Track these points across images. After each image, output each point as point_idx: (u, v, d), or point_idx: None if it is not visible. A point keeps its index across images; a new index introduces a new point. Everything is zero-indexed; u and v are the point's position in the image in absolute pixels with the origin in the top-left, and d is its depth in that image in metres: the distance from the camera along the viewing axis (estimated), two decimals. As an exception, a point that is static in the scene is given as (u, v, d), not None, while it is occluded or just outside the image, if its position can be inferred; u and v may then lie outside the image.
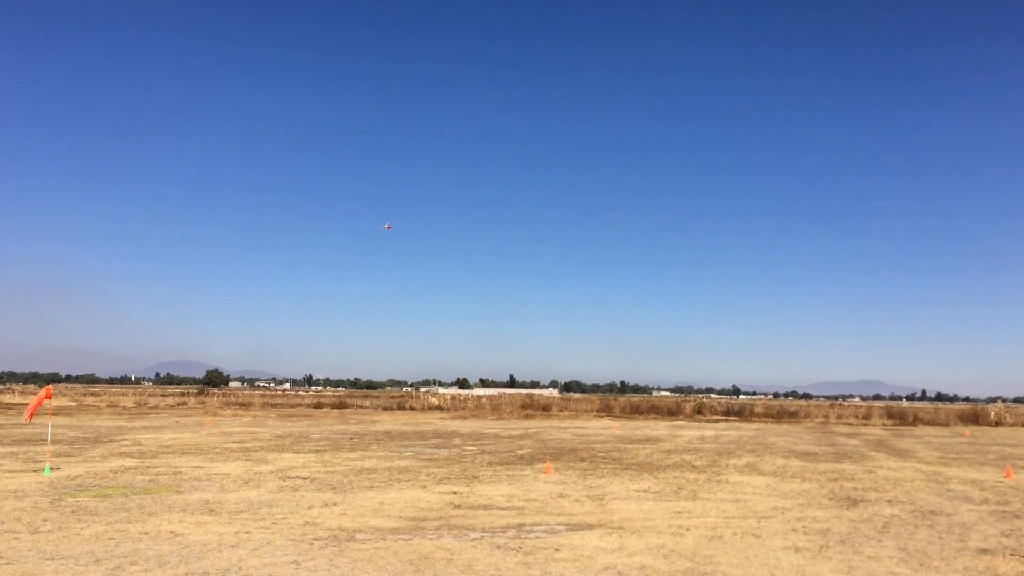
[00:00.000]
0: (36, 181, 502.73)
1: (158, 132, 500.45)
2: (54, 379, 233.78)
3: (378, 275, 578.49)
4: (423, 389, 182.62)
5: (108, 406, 71.02)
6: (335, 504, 15.79)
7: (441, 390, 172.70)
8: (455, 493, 17.79)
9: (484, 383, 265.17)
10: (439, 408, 79.06)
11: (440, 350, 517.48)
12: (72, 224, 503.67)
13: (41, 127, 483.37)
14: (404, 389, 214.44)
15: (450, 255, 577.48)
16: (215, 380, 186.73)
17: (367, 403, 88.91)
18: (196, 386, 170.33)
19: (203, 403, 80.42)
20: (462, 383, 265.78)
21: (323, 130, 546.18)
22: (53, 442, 26.25)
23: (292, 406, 79.94)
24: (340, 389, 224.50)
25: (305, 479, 19.84)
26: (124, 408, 68.44)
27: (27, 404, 69.76)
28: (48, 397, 20.46)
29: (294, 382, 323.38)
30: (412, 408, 77.90)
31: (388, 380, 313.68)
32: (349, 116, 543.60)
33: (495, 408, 76.73)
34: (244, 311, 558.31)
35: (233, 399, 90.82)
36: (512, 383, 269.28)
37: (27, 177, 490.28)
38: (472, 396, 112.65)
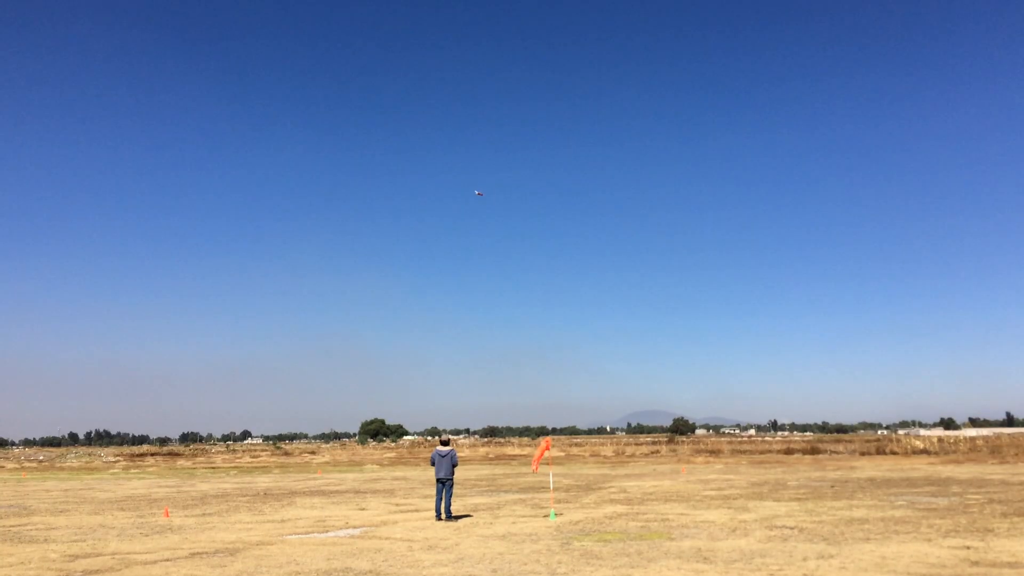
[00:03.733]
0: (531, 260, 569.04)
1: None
2: (542, 432, 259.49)
3: (841, 311, 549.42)
4: (901, 431, 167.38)
5: (591, 455, 76.75)
6: (831, 556, 15.01)
7: (923, 432, 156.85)
8: (968, 548, 15.81)
9: (974, 422, 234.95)
10: (925, 452, 71.66)
11: (916, 387, 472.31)
12: (546, 297, 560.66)
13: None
14: (879, 432, 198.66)
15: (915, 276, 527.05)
16: (682, 428, 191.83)
17: (840, 448, 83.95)
18: (665, 434, 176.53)
19: (674, 450, 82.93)
20: (947, 423, 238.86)
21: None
22: (552, 489, 28.99)
23: (761, 452, 78.65)
24: (808, 433, 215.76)
25: (792, 528, 19.23)
26: (605, 457, 73.38)
27: (525, 455, 78.28)
28: (548, 449, 22.71)
29: (759, 428, 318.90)
30: (894, 452, 71.72)
31: (859, 423, 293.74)
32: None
33: (994, 451, 67.33)
34: (706, 359, 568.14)
35: (702, 446, 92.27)
36: (1010, 421, 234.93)
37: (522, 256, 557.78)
38: (964, 437, 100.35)
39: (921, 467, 49.66)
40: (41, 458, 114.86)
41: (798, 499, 27.40)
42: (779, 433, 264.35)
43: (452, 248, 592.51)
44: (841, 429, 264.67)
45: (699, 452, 79.51)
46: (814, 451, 77.89)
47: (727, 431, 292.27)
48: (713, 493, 30.46)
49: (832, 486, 33.57)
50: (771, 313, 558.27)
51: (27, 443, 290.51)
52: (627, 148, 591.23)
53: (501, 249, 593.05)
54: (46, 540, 19.87)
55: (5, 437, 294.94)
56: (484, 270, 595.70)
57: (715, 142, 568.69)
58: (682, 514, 22.93)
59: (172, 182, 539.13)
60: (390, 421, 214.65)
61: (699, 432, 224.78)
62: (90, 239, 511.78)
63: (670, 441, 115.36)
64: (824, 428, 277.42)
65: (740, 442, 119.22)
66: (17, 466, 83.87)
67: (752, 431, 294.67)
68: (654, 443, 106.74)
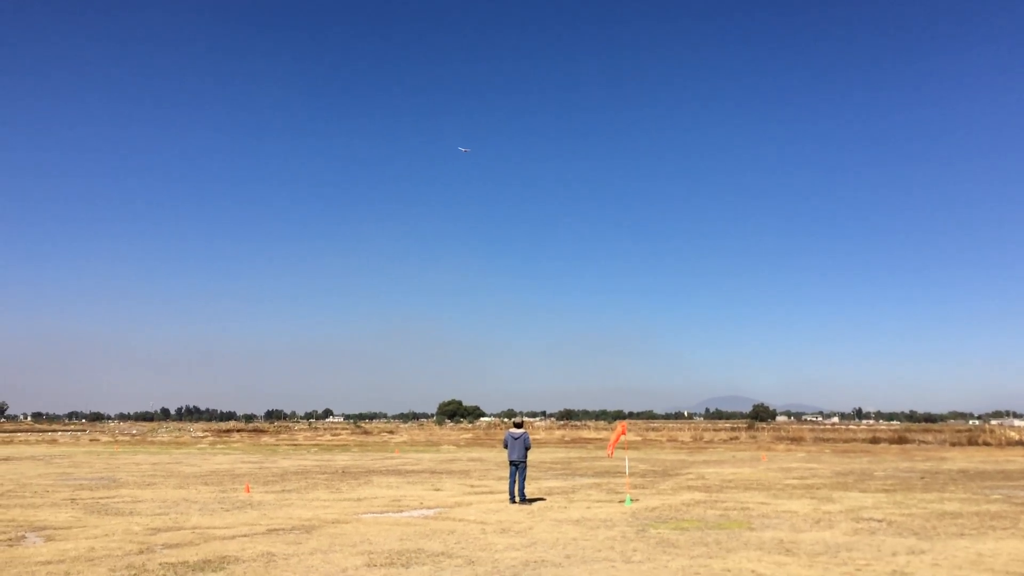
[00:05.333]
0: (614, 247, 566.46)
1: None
2: (619, 416, 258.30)
3: (931, 295, 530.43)
4: (994, 421, 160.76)
5: (668, 440, 75.85)
6: (923, 552, 14.26)
7: (1018, 422, 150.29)
8: (1074, 548, 14.83)
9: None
10: (1021, 443, 68.51)
11: (1011, 376, 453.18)
12: (635, 281, 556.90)
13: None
14: (971, 422, 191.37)
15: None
16: (762, 414, 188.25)
17: (930, 437, 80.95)
18: (744, 420, 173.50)
19: (754, 437, 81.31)
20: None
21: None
22: (628, 474, 28.56)
23: (846, 441, 76.42)
24: (894, 422, 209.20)
25: (880, 521, 18.41)
26: (682, 443, 72.41)
27: (601, 439, 77.89)
28: (623, 433, 22.31)
29: (842, 415, 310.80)
30: (987, 443, 68.75)
31: (949, 412, 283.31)
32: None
33: (1098, 444, 63.88)
34: (787, 344, 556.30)
35: (783, 433, 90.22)
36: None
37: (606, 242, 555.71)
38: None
39: (1018, 459, 47.38)
40: (134, 432, 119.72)
41: (886, 490, 26.34)
42: (864, 421, 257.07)
43: (530, 231, 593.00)
44: (930, 418, 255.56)
45: (780, 439, 77.73)
46: (901, 440, 75.26)
47: (809, 418, 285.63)
48: (795, 482, 29.57)
49: (922, 477, 32.23)
50: (856, 296, 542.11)
51: (122, 417, 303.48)
52: (701, 132, 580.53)
53: (579, 232, 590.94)
54: (131, 513, 20.45)
55: (102, 411, 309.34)
56: (562, 253, 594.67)
57: (795, 124, 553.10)
58: (763, 503, 22.27)
59: (259, 167, 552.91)
60: (467, 402, 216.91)
61: (780, 419, 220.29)
62: (184, 223, 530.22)
63: (749, 428, 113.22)
64: (912, 417, 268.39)
65: (823, 430, 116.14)
66: (111, 439, 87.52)
67: (835, 419, 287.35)
68: (733, 429, 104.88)
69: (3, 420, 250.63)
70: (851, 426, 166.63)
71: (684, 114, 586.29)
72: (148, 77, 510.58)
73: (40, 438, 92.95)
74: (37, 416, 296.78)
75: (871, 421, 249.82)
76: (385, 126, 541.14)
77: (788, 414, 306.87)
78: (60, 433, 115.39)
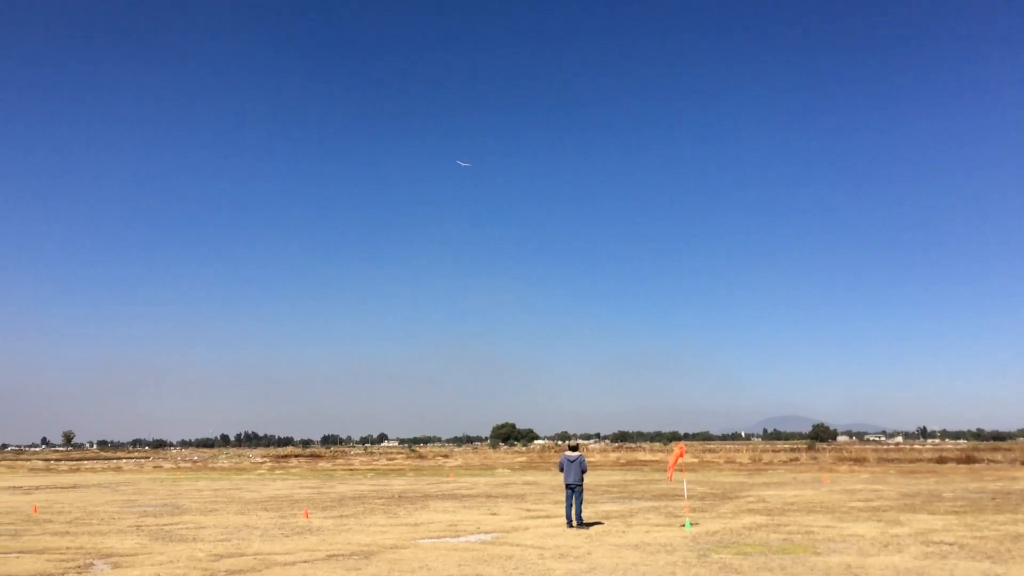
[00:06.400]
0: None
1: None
2: (674, 437, 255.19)
3: (997, 308, 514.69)
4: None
5: (726, 462, 74.60)
6: (998, 577, 13.76)
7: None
8: None
9: None
10: (1098, 462, 65.77)
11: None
12: (689, 298, 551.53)
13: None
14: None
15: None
16: (822, 435, 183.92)
17: (999, 456, 78.25)
18: (804, 441, 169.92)
19: (815, 458, 79.54)
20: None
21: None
22: (687, 497, 28.14)
23: (911, 461, 74.29)
24: (961, 441, 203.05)
25: (951, 544, 17.82)
26: (741, 464, 71.16)
27: (657, 461, 76.93)
28: (682, 455, 22.01)
29: (906, 435, 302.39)
30: (1061, 462, 66.19)
31: (1019, 429, 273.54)
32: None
33: None
34: (847, 362, 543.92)
35: (845, 454, 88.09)
36: None
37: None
38: None
39: (1095, 479, 45.54)
40: (195, 459, 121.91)
41: (955, 512, 25.50)
42: (929, 440, 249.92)
43: (582, 250, 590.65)
44: (998, 436, 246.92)
45: (842, 460, 75.90)
46: (970, 460, 72.86)
47: (872, 438, 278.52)
48: (860, 504, 28.81)
49: (993, 498, 31.14)
50: (918, 311, 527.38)
51: (184, 444, 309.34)
52: (750, 147, 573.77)
53: (632, 251, 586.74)
54: (194, 539, 20.77)
55: (165, 438, 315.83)
56: (615, 272, 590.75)
57: (847, 134, 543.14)
58: (827, 526, 21.73)
59: (311, 195, 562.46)
60: (520, 425, 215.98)
61: (841, 439, 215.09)
62: (242, 252, 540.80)
63: (810, 448, 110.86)
64: (979, 435, 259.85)
65: (886, 450, 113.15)
66: (174, 466, 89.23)
67: (899, 438, 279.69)
68: (793, 450, 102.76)
69: (71, 448, 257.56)
70: (916, 445, 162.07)
71: (735, 130, 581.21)
72: (209, 118, 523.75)
73: (106, 466, 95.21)
74: (103, 444, 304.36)
75: (937, 440, 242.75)
76: (434, 151, 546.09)
77: (850, 434, 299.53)
78: (124, 461, 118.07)
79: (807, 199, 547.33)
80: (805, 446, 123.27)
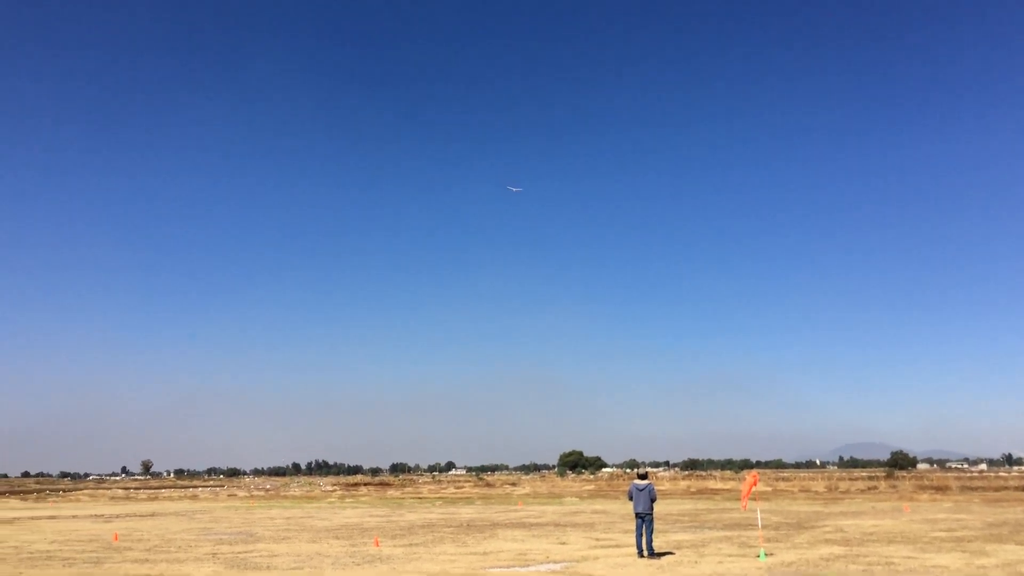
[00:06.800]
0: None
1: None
2: (745, 465, 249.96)
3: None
4: None
5: (800, 490, 72.72)
6: (1095, 612, 13.09)
7: None
8: None
9: None
10: None
11: None
12: (759, 321, 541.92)
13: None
14: None
15: None
16: (901, 462, 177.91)
17: (1094, 485, 74.61)
18: (882, 468, 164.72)
19: (895, 487, 76.96)
20: None
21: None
22: (761, 527, 27.50)
23: (996, 489, 71.31)
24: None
25: (1043, 578, 17.04)
26: (816, 493, 69.29)
27: (728, 490, 75.44)
28: (755, 483, 21.57)
29: (991, 462, 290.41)
30: None
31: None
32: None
33: None
34: (926, 386, 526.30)
35: (926, 482, 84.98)
36: None
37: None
38: None
39: None
40: (268, 487, 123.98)
41: (1047, 543, 24.38)
42: (1015, 468, 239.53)
43: (649, 274, 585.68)
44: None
45: (923, 488, 73.25)
46: (1061, 488, 69.57)
47: (954, 465, 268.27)
48: (943, 534, 27.76)
49: (1087, 529, 29.69)
50: (1003, 332, 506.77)
51: (256, 472, 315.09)
52: (821, 165, 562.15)
53: (700, 275, 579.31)
54: (268, 567, 21.11)
55: (238, 467, 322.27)
56: (681, 295, 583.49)
57: (941, 145, 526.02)
58: (909, 557, 21.00)
59: (375, 225, 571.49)
60: (588, 453, 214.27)
61: (921, 466, 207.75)
62: (311, 282, 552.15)
63: (888, 476, 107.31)
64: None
65: (970, 478, 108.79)
66: (247, 494, 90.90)
67: (983, 465, 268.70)
68: (870, 478, 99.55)
69: (149, 477, 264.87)
70: (1001, 473, 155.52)
71: (804, 153, 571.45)
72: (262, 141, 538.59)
73: (182, 494, 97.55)
74: (179, 472, 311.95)
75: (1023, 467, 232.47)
76: (487, 176, 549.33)
77: (930, 461, 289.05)
78: (200, 489, 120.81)
79: (880, 221, 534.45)
80: (883, 474, 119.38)
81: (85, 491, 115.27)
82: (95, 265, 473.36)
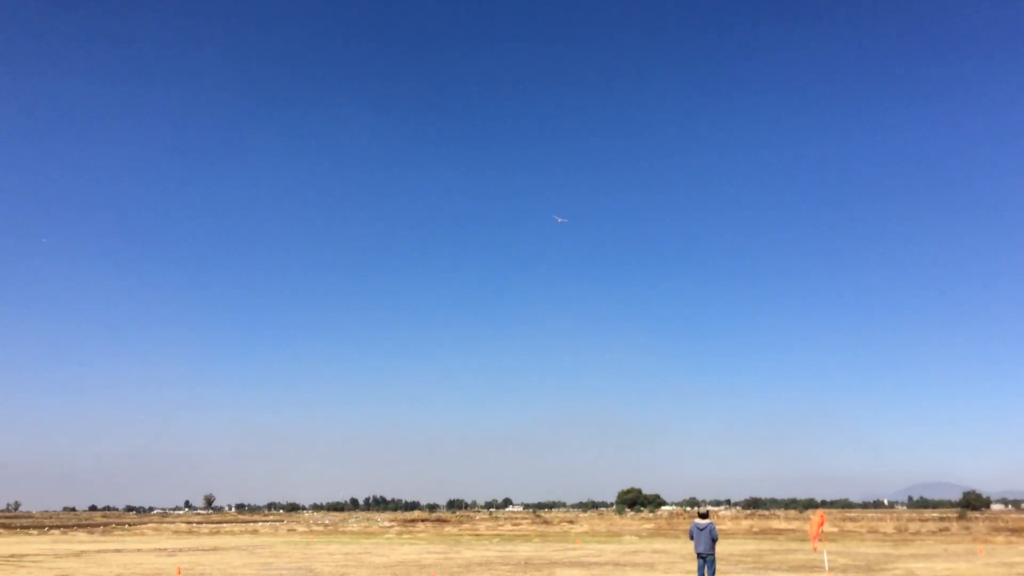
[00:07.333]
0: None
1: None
2: (810, 504, 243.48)
3: None
4: None
5: (868, 532, 70.52)
6: None
7: None
8: None
9: None
10: None
11: None
12: (823, 357, 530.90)
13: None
14: None
15: None
16: (974, 503, 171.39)
17: None
18: (954, 509, 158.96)
19: (968, 528, 74.12)
20: None
21: None
22: (828, 569, 26.74)
23: (1078, 532, 68.15)
24: None
25: None
26: (885, 534, 67.11)
27: (793, 530, 73.57)
28: (823, 523, 21.05)
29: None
30: None
31: None
32: None
33: None
34: (1000, 423, 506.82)
35: (1001, 523, 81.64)
36: None
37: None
38: None
39: None
40: (327, 522, 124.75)
41: None
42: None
43: (711, 314, 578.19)
44: None
45: (998, 530, 70.40)
46: None
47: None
48: (1021, 579, 26.64)
49: None
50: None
51: (316, 507, 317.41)
52: (891, 195, 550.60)
53: (760, 311, 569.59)
54: (328, 602, 21.20)
55: (298, 502, 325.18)
56: (741, 329, 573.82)
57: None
58: (984, 603, 20.17)
59: (433, 260, 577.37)
60: (647, 490, 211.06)
61: (996, 507, 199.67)
62: (367, 320, 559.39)
63: (961, 517, 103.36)
64: None
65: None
66: (306, 529, 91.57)
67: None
68: (942, 519, 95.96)
69: (211, 511, 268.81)
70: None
71: (853, 194, 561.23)
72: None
73: (243, 528, 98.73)
74: (240, 507, 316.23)
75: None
76: (529, 205, 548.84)
77: (1005, 502, 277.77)
78: (261, 524, 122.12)
79: (947, 257, 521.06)
80: (955, 515, 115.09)
81: (149, 525, 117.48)
82: (163, 305, 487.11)
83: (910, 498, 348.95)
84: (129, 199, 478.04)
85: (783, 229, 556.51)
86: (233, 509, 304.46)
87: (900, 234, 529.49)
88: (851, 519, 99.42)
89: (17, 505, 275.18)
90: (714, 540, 21.32)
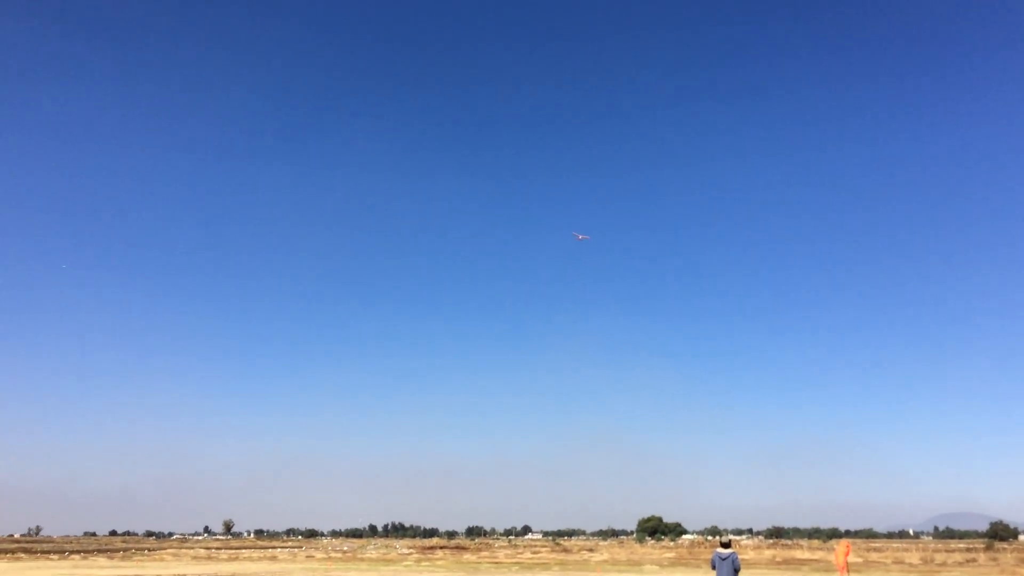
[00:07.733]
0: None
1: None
2: (834, 534, 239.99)
3: None
4: None
5: (894, 562, 69.44)
6: None
7: None
8: None
9: None
10: None
11: None
12: (835, 386, 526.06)
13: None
14: None
15: None
16: (1001, 533, 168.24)
17: None
18: (981, 540, 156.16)
19: (995, 559, 72.82)
20: None
21: None
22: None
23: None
24: None
25: None
26: (910, 565, 66.04)
27: (816, 560, 72.61)
28: (848, 553, 20.79)
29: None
30: None
31: None
32: None
33: None
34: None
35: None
36: None
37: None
38: None
39: None
40: (345, 549, 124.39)
41: None
42: None
43: (731, 339, 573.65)
44: None
45: (1026, 562, 69.15)
46: None
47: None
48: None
49: None
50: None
51: (334, 534, 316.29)
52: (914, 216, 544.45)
53: (785, 339, 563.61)
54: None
55: (316, 528, 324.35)
56: (763, 357, 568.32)
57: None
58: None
59: (449, 283, 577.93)
60: (668, 518, 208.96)
61: (1023, 538, 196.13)
62: (386, 347, 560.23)
63: (988, 548, 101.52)
64: None
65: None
66: (325, 556, 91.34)
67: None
68: (968, 550, 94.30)
69: (230, 537, 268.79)
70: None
71: (884, 211, 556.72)
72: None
73: (262, 555, 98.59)
74: (259, 533, 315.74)
75: None
76: (550, 224, 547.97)
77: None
78: (279, 550, 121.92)
79: (971, 280, 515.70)
80: (983, 546, 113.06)
81: (168, 550, 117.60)
82: (186, 334, 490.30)
83: (936, 528, 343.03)
84: (159, 221, 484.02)
85: (807, 256, 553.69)
86: (252, 535, 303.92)
87: (924, 263, 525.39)
88: (876, 549, 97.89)
89: (38, 530, 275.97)
90: (736, 570, 21.11)
